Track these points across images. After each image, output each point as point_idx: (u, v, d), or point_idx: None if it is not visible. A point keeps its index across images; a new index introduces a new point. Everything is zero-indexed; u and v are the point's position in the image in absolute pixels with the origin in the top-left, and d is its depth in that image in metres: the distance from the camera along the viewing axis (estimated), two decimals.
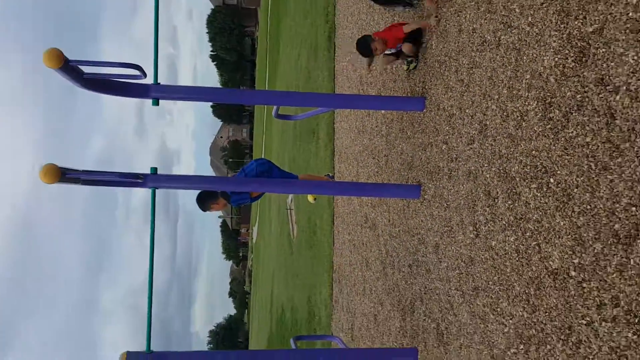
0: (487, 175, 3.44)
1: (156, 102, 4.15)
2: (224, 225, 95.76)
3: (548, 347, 2.72)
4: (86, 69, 3.60)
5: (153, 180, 3.95)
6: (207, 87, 4.58)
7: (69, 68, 3.34)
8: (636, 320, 2.19)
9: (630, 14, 2.25)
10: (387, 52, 4.76)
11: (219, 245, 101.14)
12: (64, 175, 3.29)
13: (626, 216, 2.29)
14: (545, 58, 2.84)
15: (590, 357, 2.41)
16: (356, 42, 4.79)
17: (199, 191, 5.29)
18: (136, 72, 3.67)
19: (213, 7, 72.85)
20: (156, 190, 4.18)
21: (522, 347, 2.95)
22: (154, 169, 4.04)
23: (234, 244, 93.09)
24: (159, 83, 4.12)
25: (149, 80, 3.94)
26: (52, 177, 3.21)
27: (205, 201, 5.35)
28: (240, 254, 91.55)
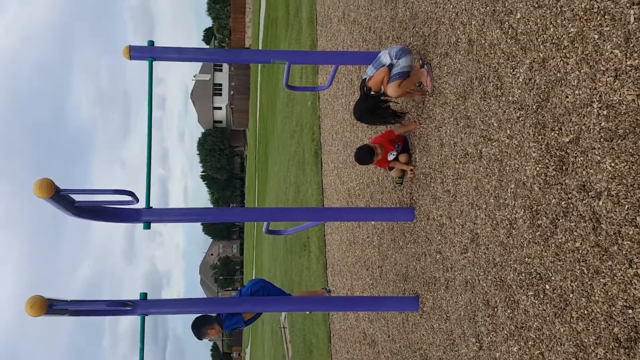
0: (484, 284, 3.40)
1: (148, 226, 4.15)
2: (214, 349, 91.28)
3: None
4: (77, 197, 3.62)
5: (142, 306, 3.84)
6: (199, 208, 4.63)
7: (60, 197, 3.37)
8: None
9: (603, 124, 2.37)
10: (390, 156, 4.77)
11: None
12: (50, 307, 3.19)
13: (624, 319, 2.25)
14: (527, 168, 2.94)
15: None
16: (356, 152, 4.78)
17: (194, 317, 5.11)
18: (128, 198, 3.71)
19: (204, 130, 75.75)
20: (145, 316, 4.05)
21: None
22: (144, 295, 3.95)
23: None
24: (151, 207, 4.15)
25: (140, 204, 3.98)
26: (38, 309, 3.12)
27: (200, 327, 5.13)
28: None
